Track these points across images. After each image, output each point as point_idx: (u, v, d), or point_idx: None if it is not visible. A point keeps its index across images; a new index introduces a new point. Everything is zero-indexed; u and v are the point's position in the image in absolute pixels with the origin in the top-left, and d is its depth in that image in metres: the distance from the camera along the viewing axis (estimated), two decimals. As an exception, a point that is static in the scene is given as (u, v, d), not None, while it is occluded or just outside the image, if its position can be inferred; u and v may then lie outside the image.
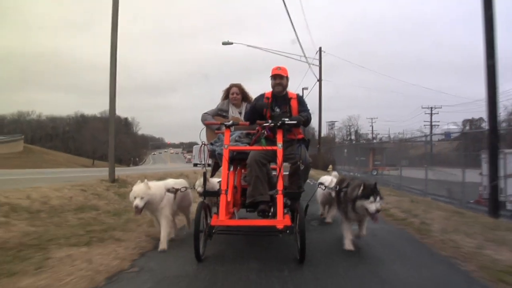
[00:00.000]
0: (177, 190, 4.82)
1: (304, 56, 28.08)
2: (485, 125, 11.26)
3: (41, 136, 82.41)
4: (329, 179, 5.95)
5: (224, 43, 24.90)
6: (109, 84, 10.26)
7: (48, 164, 39.08)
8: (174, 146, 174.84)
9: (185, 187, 5.07)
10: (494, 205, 7.47)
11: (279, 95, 4.93)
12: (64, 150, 74.61)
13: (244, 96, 5.66)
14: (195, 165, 47.78)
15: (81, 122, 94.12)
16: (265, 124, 4.56)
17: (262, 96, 5.04)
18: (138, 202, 4.36)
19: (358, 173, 22.14)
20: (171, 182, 5.01)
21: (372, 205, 4.22)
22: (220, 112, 5.63)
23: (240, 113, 5.58)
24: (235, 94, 5.62)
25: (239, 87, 5.65)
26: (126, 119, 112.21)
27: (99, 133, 79.84)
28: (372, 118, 62.28)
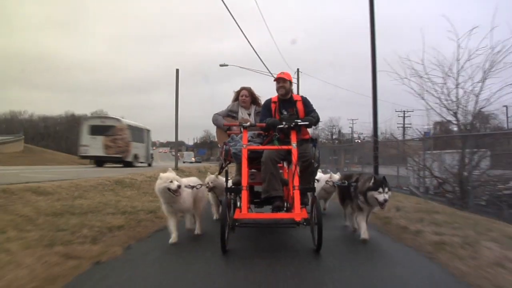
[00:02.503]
0: (192, 187, 5.09)
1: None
2: (452, 127, 12.16)
3: (33, 135, 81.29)
4: (325, 176, 6.41)
5: (221, 65, 25.90)
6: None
7: (52, 162, 38.12)
8: (163, 145, 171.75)
9: (200, 184, 5.34)
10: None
11: (285, 98, 5.31)
12: (57, 149, 72.46)
13: (253, 98, 6.03)
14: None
15: (72, 121, 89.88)
16: (280, 126, 4.91)
17: (269, 101, 5.41)
18: (177, 183, 4.56)
19: (331, 169, 23.00)
20: (184, 180, 5.13)
21: (381, 196, 4.66)
22: (230, 113, 5.97)
23: (249, 114, 5.95)
24: (244, 96, 5.98)
25: (248, 90, 6.01)
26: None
27: None
28: (352, 120, 63.79)
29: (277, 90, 5.34)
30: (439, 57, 10.34)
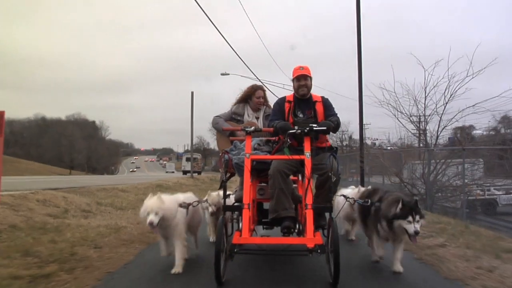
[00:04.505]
0: (189, 205, 4.32)
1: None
2: (474, 133, 16.08)
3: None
4: (354, 191, 5.43)
5: (222, 74, 25.92)
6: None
7: (29, 172, 34.97)
8: (148, 153, 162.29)
9: (197, 201, 4.57)
10: None
11: (303, 98, 4.50)
12: (26, 158, 64.01)
13: (265, 99, 5.23)
14: (184, 173, 51.40)
15: (43, 126, 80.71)
16: (290, 131, 4.12)
17: (283, 100, 4.59)
18: (153, 218, 3.84)
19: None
20: (180, 196, 4.51)
21: (411, 226, 3.75)
22: (234, 116, 5.15)
23: (257, 118, 5.11)
24: (261, 98, 5.17)
25: (264, 90, 5.22)
26: (93, 122, 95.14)
27: (73, 139, 72.04)
28: (364, 124, 60.89)
29: (297, 90, 4.49)
30: (406, 87, 13.34)
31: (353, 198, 4.79)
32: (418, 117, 13.68)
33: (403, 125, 14.11)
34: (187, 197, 4.65)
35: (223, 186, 4.16)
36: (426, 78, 12.99)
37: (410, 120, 13.85)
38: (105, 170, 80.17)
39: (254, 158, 4.16)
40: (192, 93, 28.79)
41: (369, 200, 4.36)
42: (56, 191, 9.89)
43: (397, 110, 13.66)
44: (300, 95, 4.49)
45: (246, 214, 3.80)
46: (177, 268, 4.05)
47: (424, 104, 13.25)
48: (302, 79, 4.44)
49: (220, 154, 4.41)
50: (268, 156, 4.33)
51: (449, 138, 15.64)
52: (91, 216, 7.85)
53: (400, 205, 3.82)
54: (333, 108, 4.53)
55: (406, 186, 13.34)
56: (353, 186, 5.91)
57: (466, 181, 12.02)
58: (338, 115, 4.47)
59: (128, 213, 8.61)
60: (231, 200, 4.67)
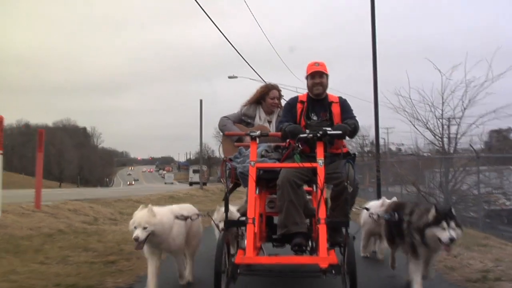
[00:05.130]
0: (186, 217, 3.83)
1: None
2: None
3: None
4: (378, 203, 4.92)
5: (230, 77, 24.60)
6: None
7: (15, 186, 30.79)
8: (145, 162, 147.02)
9: (197, 214, 4.05)
10: None
11: (317, 98, 4.04)
12: (8, 169, 52.10)
13: (280, 102, 4.79)
14: (191, 184, 51.46)
15: (27, 133, 71.58)
16: (301, 136, 3.68)
17: (294, 100, 4.14)
18: (138, 233, 3.39)
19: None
20: (175, 208, 4.01)
21: (445, 233, 3.28)
22: (244, 118, 4.68)
23: (269, 122, 4.65)
24: (276, 99, 4.70)
25: (280, 90, 4.75)
26: (84, 129, 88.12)
27: (62, 148, 65.60)
28: (387, 128, 48.15)
29: (311, 88, 4.03)
30: (422, 92, 12.46)
31: (377, 213, 4.31)
32: (438, 122, 12.83)
33: (420, 132, 13.44)
34: (184, 207, 4.14)
35: (225, 198, 3.71)
36: (443, 83, 12.21)
37: (427, 127, 13.19)
38: (99, 182, 73.47)
39: (259, 166, 3.71)
40: (201, 101, 28.57)
41: (396, 214, 3.87)
42: (82, 201, 11.19)
43: (413, 117, 13.06)
44: (315, 94, 4.04)
45: (251, 229, 3.35)
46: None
47: (442, 110, 12.62)
48: (317, 77, 3.98)
49: (222, 162, 3.97)
50: (276, 164, 3.89)
51: (485, 142, 15.05)
52: (119, 223, 8.72)
53: (433, 212, 3.38)
54: (352, 110, 4.08)
55: (424, 196, 12.68)
56: (384, 198, 5.31)
57: (487, 189, 11.62)
58: (356, 118, 4.00)
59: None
60: (235, 214, 4.22)
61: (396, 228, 3.87)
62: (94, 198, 13.69)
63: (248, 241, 3.32)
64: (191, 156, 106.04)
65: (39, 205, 8.52)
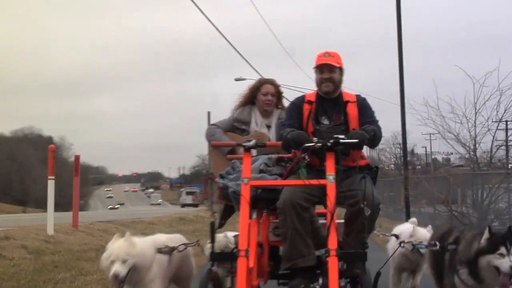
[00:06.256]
0: (172, 249, 3.23)
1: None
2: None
3: None
4: (408, 228, 4.07)
5: (236, 80, 23.04)
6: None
7: None
8: (127, 179, 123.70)
9: (185, 245, 3.41)
10: None
11: (329, 97, 3.33)
12: None
13: (279, 99, 3.99)
14: (183, 206, 48.19)
15: None
16: (307, 145, 2.96)
17: (301, 99, 3.44)
18: (118, 268, 2.82)
19: (387, 210, 21.49)
20: (162, 237, 3.45)
21: (506, 262, 2.67)
22: (237, 125, 3.88)
23: (268, 126, 3.89)
24: (269, 95, 3.86)
25: (277, 86, 3.95)
26: (50, 138, 65.09)
27: (23, 163, 51.53)
28: (430, 134, 39.13)
29: (319, 84, 3.34)
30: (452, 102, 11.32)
31: (410, 242, 3.53)
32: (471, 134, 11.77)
33: (452, 146, 12.35)
34: (172, 238, 3.54)
35: (211, 225, 3.02)
36: (476, 93, 10.84)
37: (458, 140, 12.09)
38: (70, 206, 56.24)
39: (254, 184, 3.01)
40: (209, 113, 26.29)
41: (437, 243, 3.14)
42: (107, 223, 12.27)
43: (443, 127, 11.94)
44: (324, 92, 3.32)
45: (243, 264, 2.70)
46: None
47: (475, 122, 11.45)
48: (325, 70, 3.26)
49: (206, 180, 3.28)
50: (274, 182, 3.19)
51: None
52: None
53: (486, 235, 2.79)
54: (373, 112, 3.38)
55: (455, 215, 11.65)
56: (414, 220, 4.44)
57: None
58: (378, 122, 3.30)
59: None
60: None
61: (442, 260, 3.18)
62: (107, 220, 13.67)
63: (239, 280, 2.67)
64: (184, 171, 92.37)
65: (77, 225, 9.55)
